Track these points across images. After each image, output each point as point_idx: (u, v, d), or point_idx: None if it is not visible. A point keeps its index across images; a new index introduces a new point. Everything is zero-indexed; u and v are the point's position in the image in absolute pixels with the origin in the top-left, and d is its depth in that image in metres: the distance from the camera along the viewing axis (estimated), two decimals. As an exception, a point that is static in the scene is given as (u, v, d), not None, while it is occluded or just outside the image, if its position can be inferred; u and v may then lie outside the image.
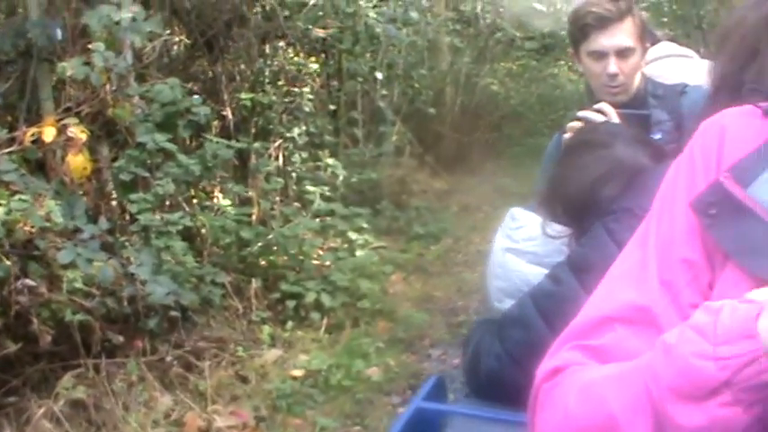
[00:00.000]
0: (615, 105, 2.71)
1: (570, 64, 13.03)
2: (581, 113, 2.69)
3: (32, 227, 4.10)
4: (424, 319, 6.46)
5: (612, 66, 2.87)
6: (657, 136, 2.81)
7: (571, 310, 1.20)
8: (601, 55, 2.89)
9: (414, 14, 8.65)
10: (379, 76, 9.13)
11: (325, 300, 5.95)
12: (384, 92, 9.62)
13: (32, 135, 4.73)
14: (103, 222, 4.52)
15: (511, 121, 13.29)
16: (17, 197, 4.05)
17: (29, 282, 4.03)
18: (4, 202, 3.96)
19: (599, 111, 2.65)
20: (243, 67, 7.35)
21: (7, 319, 4.09)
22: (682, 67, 3.47)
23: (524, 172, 9.61)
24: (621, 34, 2.86)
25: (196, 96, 5.39)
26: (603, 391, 1.05)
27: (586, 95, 3.42)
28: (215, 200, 6.66)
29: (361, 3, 7.61)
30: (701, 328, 0.94)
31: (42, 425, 4.12)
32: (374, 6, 8.31)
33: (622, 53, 2.87)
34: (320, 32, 7.23)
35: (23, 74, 5.72)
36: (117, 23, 5.00)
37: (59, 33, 5.54)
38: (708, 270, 1.10)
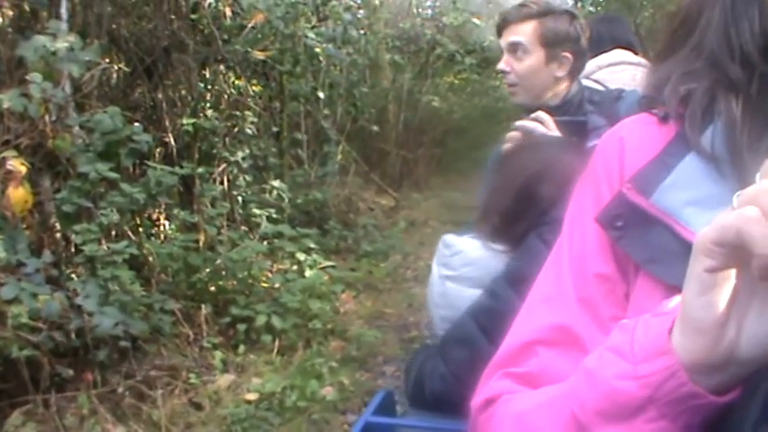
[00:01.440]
0: (548, 112, 2.73)
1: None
2: (518, 123, 2.71)
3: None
4: (377, 337, 6.46)
5: (502, 63, 2.95)
6: (594, 142, 2.82)
7: (511, 323, 1.20)
8: (501, 52, 2.98)
9: (354, 33, 8.68)
10: (321, 95, 9.14)
11: (276, 322, 5.93)
12: (327, 111, 9.64)
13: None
14: (47, 255, 4.48)
15: (455, 135, 13.38)
16: (-43, 234, 3.99)
17: (-29, 318, 3.97)
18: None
19: (536, 119, 2.67)
20: (183, 92, 7.31)
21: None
22: (632, 74, 3.52)
23: (471, 185, 9.65)
24: (515, 34, 2.91)
25: (137, 124, 5.33)
26: (535, 421, 1.05)
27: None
28: (161, 227, 6.62)
29: (299, 24, 7.59)
30: (619, 349, 0.94)
31: (-7, 463, 4.06)
32: (312, 27, 8.31)
33: (513, 50, 2.92)
34: (260, 55, 7.21)
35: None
36: (53, 54, 4.95)
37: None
38: (622, 282, 1.11)
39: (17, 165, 4.57)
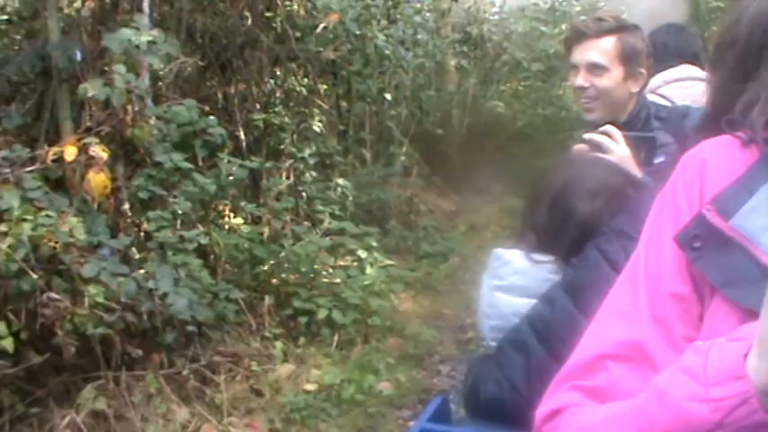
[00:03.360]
0: (617, 127, 2.74)
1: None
2: (587, 136, 2.72)
3: (56, 242, 4.23)
4: (434, 336, 6.57)
5: (580, 79, 2.93)
6: (661, 159, 2.83)
7: (567, 332, 1.23)
8: (574, 68, 2.97)
9: (423, 36, 8.80)
10: (388, 97, 9.27)
11: (337, 316, 6.06)
12: (392, 113, 9.76)
13: (54, 154, 4.85)
14: (125, 239, 4.65)
15: (517, 141, 13.39)
16: (43, 213, 4.18)
17: (53, 295, 4.15)
18: (30, 217, 4.09)
19: (605, 133, 2.69)
20: (255, 88, 7.49)
21: (32, 332, 4.21)
22: (702, 90, 3.50)
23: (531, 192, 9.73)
24: (594, 51, 2.89)
25: (212, 117, 5.50)
26: None
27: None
28: (226, 219, 6.79)
29: (371, 26, 7.73)
30: (692, 370, 0.95)
31: (65, 434, 4.24)
32: (383, 29, 8.45)
33: (593, 69, 2.91)
34: (331, 55, 7.36)
35: (42, 95, 5.88)
36: (137, 47, 5.14)
37: (79, 55, 5.69)
38: (697, 303, 1.11)
39: (99, 151, 4.76)
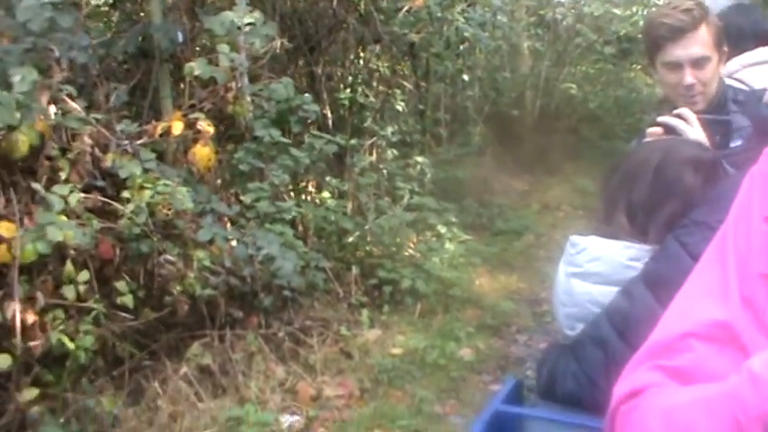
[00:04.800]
0: (695, 111, 2.72)
1: (647, 69, 13.24)
2: (661, 119, 2.68)
3: (170, 209, 4.59)
4: (510, 308, 6.84)
5: (688, 77, 2.85)
6: (738, 142, 2.81)
7: (647, 326, 1.20)
8: (676, 66, 2.87)
9: (503, 19, 9.03)
10: (465, 78, 9.54)
11: (420, 286, 6.36)
12: (469, 93, 10.02)
13: (162, 129, 5.22)
14: (234, 207, 5.01)
15: (588, 123, 13.55)
16: (161, 182, 4.54)
17: (169, 257, 4.52)
18: (150, 185, 4.45)
19: (679, 116, 2.65)
20: (340, 69, 7.82)
21: (148, 291, 4.59)
22: None
23: (602, 173, 9.92)
24: (696, 44, 2.83)
25: (306, 95, 5.83)
26: (690, 418, 1.00)
27: (666, 101, 3.27)
28: (311, 193, 7.12)
29: (453, 9, 7.99)
30: None
31: (176, 385, 4.61)
32: (462, 12, 8.70)
33: (698, 63, 2.85)
34: (414, 37, 7.64)
35: (144, 74, 6.24)
36: (239, 28, 5.48)
37: (181, 36, 6.04)
38: None
39: (205, 126, 5.11)
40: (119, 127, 4.99)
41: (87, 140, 4.67)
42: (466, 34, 8.66)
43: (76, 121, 4.62)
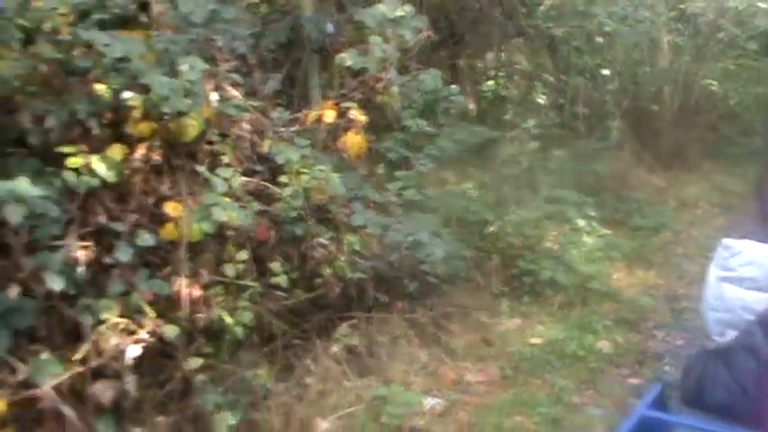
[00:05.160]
0: None
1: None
2: None
3: (323, 194, 4.77)
4: (648, 303, 6.82)
5: None
6: None
7: None
8: None
9: (646, 13, 8.98)
10: (606, 72, 9.51)
11: (560, 278, 6.41)
12: (609, 87, 9.98)
13: (314, 117, 5.40)
14: (386, 194, 5.16)
15: (728, 120, 13.28)
16: (316, 168, 4.72)
17: (322, 241, 4.70)
18: (307, 171, 4.64)
19: None
20: (482, 60, 7.92)
21: (301, 273, 4.78)
22: None
23: (741, 171, 9.78)
24: None
25: (453, 86, 5.94)
26: None
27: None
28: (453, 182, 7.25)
29: (596, 3, 8.01)
30: None
31: (325, 363, 4.79)
32: (604, 6, 8.68)
33: None
34: (558, 31, 7.69)
35: (293, 64, 6.46)
36: (391, 20, 5.62)
37: (331, 28, 6.24)
38: None
39: (358, 115, 5.27)
40: (273, 114, 5.19)
41: (246, 126, 4.88)
42: (607, 28, 8.64)
43: (235, 107, 4.83)
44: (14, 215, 3.27)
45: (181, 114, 4.16)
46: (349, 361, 4.94)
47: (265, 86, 5.39)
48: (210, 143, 4.67)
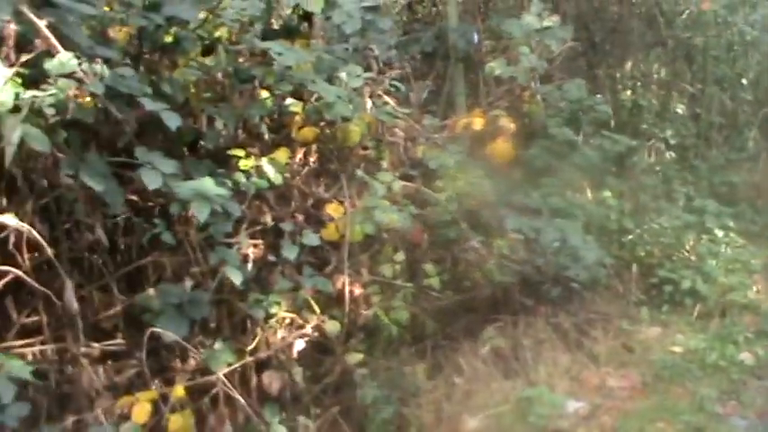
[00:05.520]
0: None
1: None
2: None
3: (475, 199, 4.92)
4: (791, 318, 6.75)
5: None
6: None
7: None
8: None
9: (785, 21, 8.86)
10: (744, 82, 9.39)
11: (700, 288, 6.41)
12: (748, 97, 9.84)
13: (463, 124, 5.56)
14: (536, 198, 5.29)
15: None
16: (471, 174, 4.87)
17: (475, 244, 4.85)
18: (461, 175, 4.79)
19: None
20: (619, 69, 7.95)
21: (451, 275, 4.94)
22: None
23: None
24: None
25: (598, 96, 6.03)
26: None
27: None
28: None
29: (738, 12, 7.95)
30: None
31: (473, 363, 4.94)
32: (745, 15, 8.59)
33: None
34: (698, 40, 7.67)
35: (438, 73, 6.63)
36: (537, 31, 5.75)
37: (476, 38, 6.39)
38: None
39: (507, 123, 5.40)
40: (425, 121, 5.37)
41: (399, 133, 5.07)
42: (748, 37, 8.56)
43: (386, 114, 5.01)
44: (201, 212, 3.49)
45: (345, 120, 4.35)
46: (495, 362, 5.06)
47: (415, 94, 5.56)
48: (365, 148, 4.87)
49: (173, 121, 3.44)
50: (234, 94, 4.21)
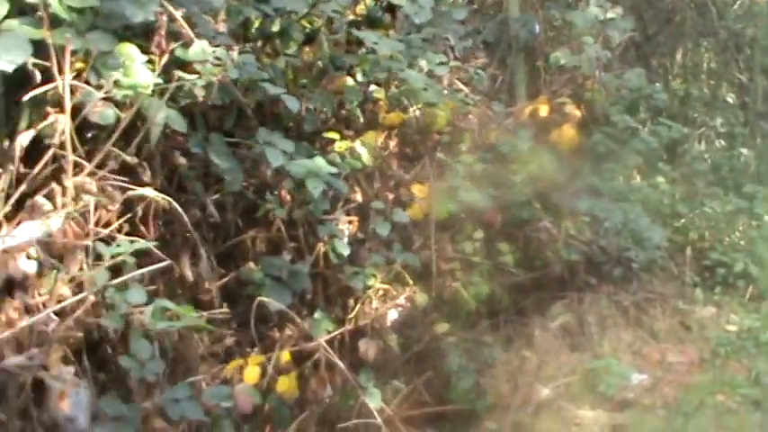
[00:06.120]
0: None
1: None
2: None
3: (546, 182, 5.21)
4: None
5: None
6: None
7: None
8: None
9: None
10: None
11: (753, 270, 6.66)
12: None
13: (529, 111, 5.82)
14: (614, 182, 5.57)
15: None
16: (541, 157, 5.16)
17: (547, 224, 5.14)
18: (534, 159, 5.08)
19: None
20: (672, 59, 8.20)
21: (523, 254, 5.23)
22: None
23: None
24: None
25: (657, 84, 6.29)
26: None
27: None
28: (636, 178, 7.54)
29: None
30: None
31: (542, 337, 5.23)
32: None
33: None
34: (750, 31, 7.90)
35: (500, 62, 6.89)
36: (601, 22, 6.01)
37: (537, 28, 6.64)
38: None
39: (573, 110, 5.67)
40: (494, 108, 5.65)
41: (473, 119, 5.36)
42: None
43: (461, 101, 5.29)
44: (315, 189, 3.80)
45: (430, 106, 4.64)
46: (563, 336, 5.36)
47: (486, 82, 5.84)
48: (439, 133, 5.16)
49: (293, 103, 3.75)
50: (330, 81, 4.50)
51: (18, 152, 3.12)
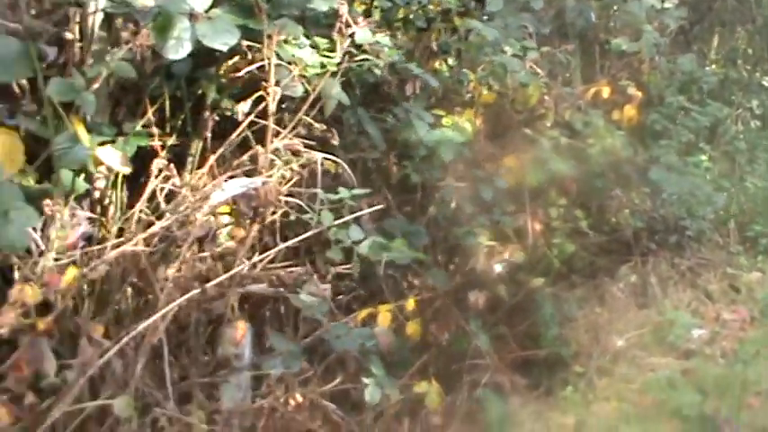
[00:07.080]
0: None
1: None
2: None
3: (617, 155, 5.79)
4: None
5: None
6: None
7: None
8: None
9: None
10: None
11: (793, 240, 7.28)
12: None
13: (592, 92, 6.39)
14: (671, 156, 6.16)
15: None
16: (614, 133, 5.74)
17: (619, 192, 5.72)
18: (608, 135, 5.66)
19: None
20: (709, 45, 8.78)
21: (596, 220, 5.81)
22: None
23: None
24: None
25: (708, 68, 6.86)
26: None
27: None
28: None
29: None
30: None
31: (612, 296, 5.82)
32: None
33: None
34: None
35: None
36: (657, 11, 6.57)
37: (593, 16, 7.19)
38: None
39: (634, 91, 6.24)
40: (566, 89, 6.22)
41: (549, 99, 5.93)
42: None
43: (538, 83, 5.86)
44: (447, 155, 4.39)
45: (523, 86, 5.22)
46: (630, 295, 5.94)
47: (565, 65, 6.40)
48: (518, 112, 5.73)
49: (433, 81, 4.34)
50: (435, 63, 5.08)
51: (210, 122, 3.71)
